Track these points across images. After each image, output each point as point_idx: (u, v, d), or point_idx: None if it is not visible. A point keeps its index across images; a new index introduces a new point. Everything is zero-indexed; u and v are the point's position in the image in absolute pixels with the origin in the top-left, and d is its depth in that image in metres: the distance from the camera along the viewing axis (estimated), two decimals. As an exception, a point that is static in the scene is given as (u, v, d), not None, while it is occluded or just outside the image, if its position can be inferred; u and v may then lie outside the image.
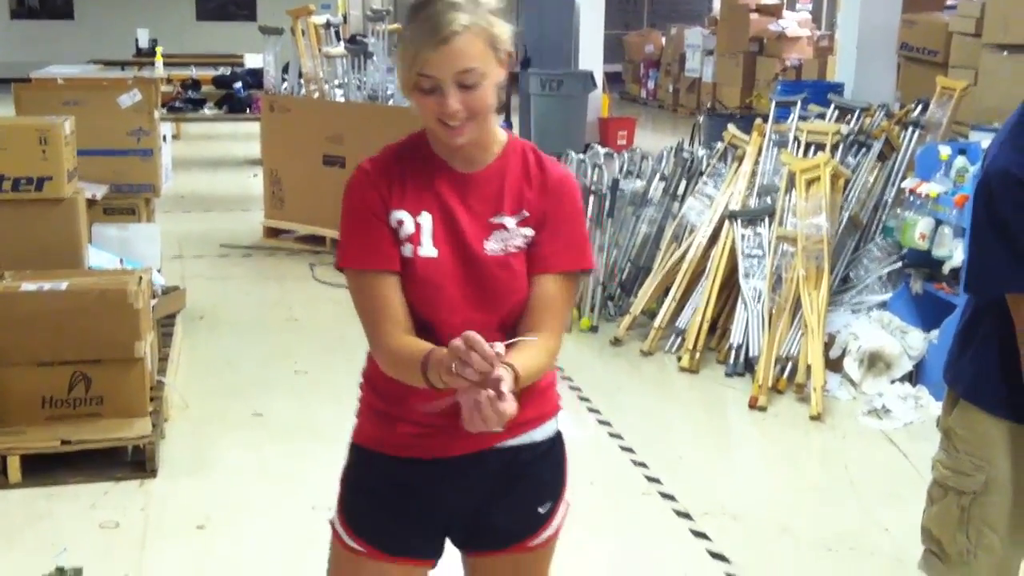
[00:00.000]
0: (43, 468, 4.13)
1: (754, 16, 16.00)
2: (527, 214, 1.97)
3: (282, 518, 3.91)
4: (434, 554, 2.11)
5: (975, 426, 2.49)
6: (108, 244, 5.43)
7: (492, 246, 1.95)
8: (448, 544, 2.13)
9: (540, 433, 2.06)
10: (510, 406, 1.67)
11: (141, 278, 4.44)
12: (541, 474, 2.09)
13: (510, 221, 1.96)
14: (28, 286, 4.20)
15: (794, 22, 16.02)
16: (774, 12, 16.39)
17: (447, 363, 1.71)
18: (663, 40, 19.28)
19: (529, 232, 1.97)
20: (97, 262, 4.97)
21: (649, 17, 24.68)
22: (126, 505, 3.99)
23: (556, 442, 2.11)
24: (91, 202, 5.27)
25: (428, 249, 1.93)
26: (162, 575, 3.54)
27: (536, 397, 2.03)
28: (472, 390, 1.69)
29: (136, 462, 4.25)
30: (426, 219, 1.94)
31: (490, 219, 1.96)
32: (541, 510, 2.09)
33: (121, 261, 5.23)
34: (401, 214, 1.93)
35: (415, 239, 1.93)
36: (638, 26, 22.84)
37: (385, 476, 2.04)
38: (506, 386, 1.67)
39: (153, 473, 4.21)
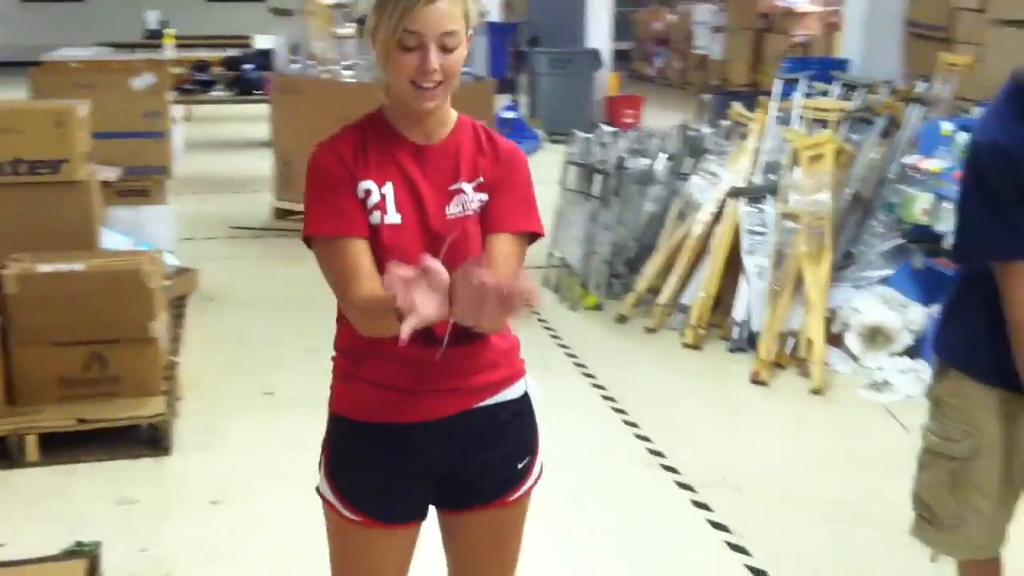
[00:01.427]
0: (60, 446, 4.23)
1: (763, -8, 15.95)
2: (482, 180, 2.06)
3: (294, 492, 3.97)
4: (423, 516, 2.19)
5: (963, 393, 2.57)
6: (122, 226, 5.52)
7: (453, 209, 2.04)
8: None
9: (512, 392, 2.16)
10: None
11: (154, 259, 4.53)
12: (517, 431, 2.19)
13: (467, 187, 2.06)
14: (44, 267, 4.29)
15: (802, -2, 15.96)
16: (783, -12, 16.33)
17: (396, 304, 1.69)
18: (672, 17, 19.23)
19: (484, 196, 2.06)
20: (111, 244, 5.06)
21: (658, -6, 24.58)
22: (142, 482, 4.10)
23: (526, 400, 2.20)
24: (105, 184, 5.35)
25: (392, 216, 2.01)
26: (179, 549, 3.63)
27: (509, 357, 2.15)
28: (466, 303, 1.68)
29: (151, 440, 4.35)
30: (389, 188, 2.02)
31: (449, 187, 2.05)
32: (519, 465, 2.18)
33: (135, 243, 5.32)
34: (368, 184, 2.01)
35: (381, 207, 2.01)
36: (647, 3, 22.78)
37: (369, 443, 2.10)
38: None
39: (167, 451, 4.31)
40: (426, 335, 1.96)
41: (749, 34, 15.88)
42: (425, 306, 1.68)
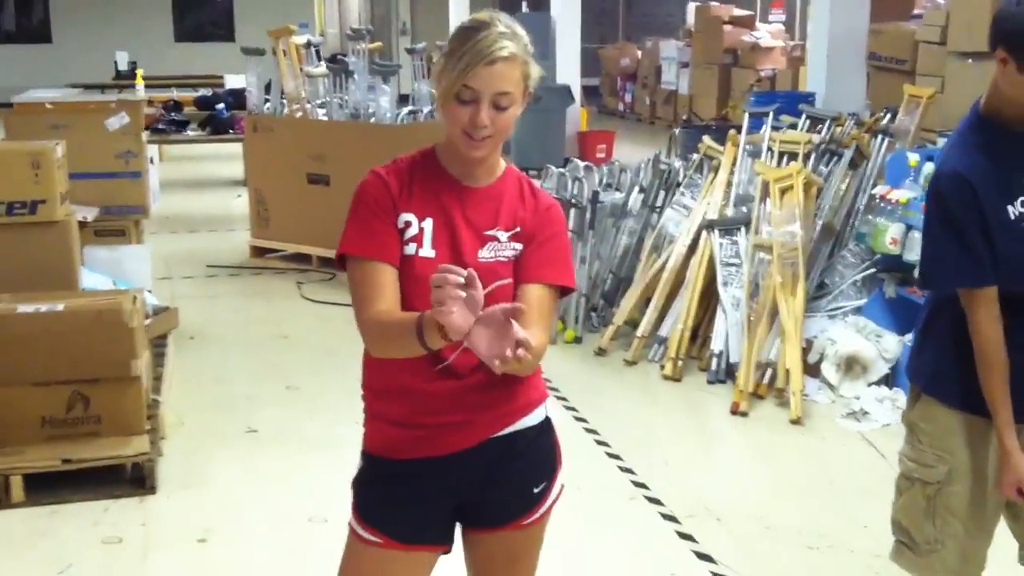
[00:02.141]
0: (45, 487, 4.21)
1: (728, 28, 16.22)
2: (519, 230, 2.17)
3: (280, 528, 4.02)
4: (446, 540, 2.27)
5: (936, 419, 2.63)
6: (100, 265, 5.52)
7: (485, 254, 2.14)
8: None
9: (532, 419, 2.24)
10: (522, 335, 1.83)
11: (135, 298, 4.54)
12: (535, 457, 2.26)
13: (503, 235, 2.16)
14: (25, 307, 4.30)
15: (767, 33, 16.24)
16: (747, 24, 16.60)
17: (433, 298, 1.83)
18: (639, 53, 19.48)
19: (518, 246, 2.16)
20: (90, 283, 5.07)
21: (625, 30, 24.87)
22: (127, 521, 4.09)
23: (546, 426, 2.28)
24: (82, 224, 5.36)
25: (427, 250, 2.12)
26: (165, 587, 3.64)
27: (526, 386, 2.22)
28: (482, 330, 1.83)
29: (136, 479, 4.35)
30: (428, 224, 2.13)
31: (485, 232, 2.15)
32: (536, 490, 2.26)
33: (114, 282, 5.32)
34: (409, 216, 2.13)
35: (418, 240, 2.12)
36: (614, 39, 23.03)
37: (395, 475, 2.20)
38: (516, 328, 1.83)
39: (152, 489, 4.31)
40: (442, 369, 2.09)
41: (715, 69, 16.13)
42: (457, 313, 1.81)
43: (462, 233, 2.14)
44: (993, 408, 2.49)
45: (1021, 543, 2.74)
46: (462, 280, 1.82)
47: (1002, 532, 2.72)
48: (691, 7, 18.56)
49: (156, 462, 4.40)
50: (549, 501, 2.29)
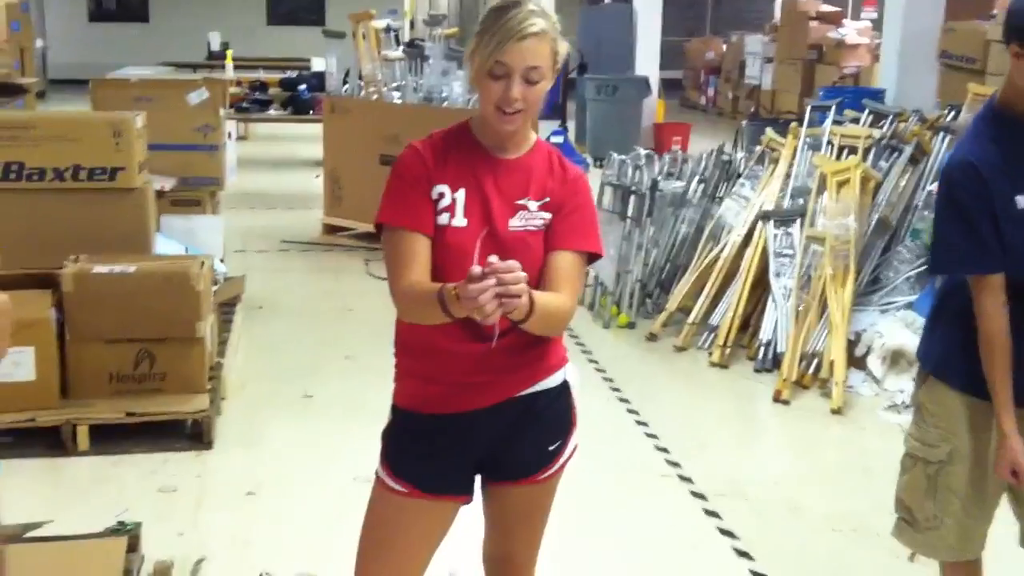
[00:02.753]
0: (109, 437, 4.49)
1: (814, 24, 16.09)
2: (548, 200, 2.29)
3: (326, 486, 4.23)
4: (467, 491, 2.41)
5: (942, 400, 2.72)
6: (175, 234, 5.80)
7: (515, 223, 2.27)
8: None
9: (552, 381, 2.38)
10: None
11: (203, 263, 4.79)
12: (552, 417, 2.41)
13: (533, 204, 2.29)
14: (99, 268, 4.57)
15: (853, 30, 16.06)
16: (834, 20, 16.44)
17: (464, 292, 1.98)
18: (724, 47, 19.42)
19: (547, 215, 2.29)
20: (164, 249, 5.33)
21: (712, 24, 24.77)
22: (183, 473, 4.34)
23: (564, 389, 2.42)
24: (160, 193, 5.64)
25: (459, 219, 2.25)
26: (214, 534, 3.86)
27: (548, 351, 2.37)
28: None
29: (194, 435, 4.61)
30: (461, 194, 2.26)
31: (516, 201, 2.28)
32: (551, 448, 2.40)
33: (186, 249, 5.59)
34: (442, 187, 2.26)
35: (451, 209, 2.25)
36: (701, 33, 22.97)
37: (422, 430, 2.36)
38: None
39: (209, 445, 4.56)
40: (472, 330, 2.21)
41: (799, 64, 16.01)
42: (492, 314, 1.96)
43: (493, 203, 2.26)
44: (993, 391, 2.57)
45: (1023, 525, 2.81)
46: (492, 284, 1.94)
47: (1006, 514, 2.79)
48: (778, 1, 18.46)
49: (214, 420, 4.65)
50: (563, 459, 2.44)
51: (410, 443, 2.37)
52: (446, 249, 2.24)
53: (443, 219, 2.25)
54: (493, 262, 1.96)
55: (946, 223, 2.62)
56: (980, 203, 2.51)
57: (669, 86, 18.01)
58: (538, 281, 2.25)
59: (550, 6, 15.96)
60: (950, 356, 2.71)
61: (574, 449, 2.47)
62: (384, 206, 2.29)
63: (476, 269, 1.96)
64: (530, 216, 2.28)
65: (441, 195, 2.26)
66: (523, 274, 1.99)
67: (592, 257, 2.34)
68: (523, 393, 2.34)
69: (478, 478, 2.44)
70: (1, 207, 4.82)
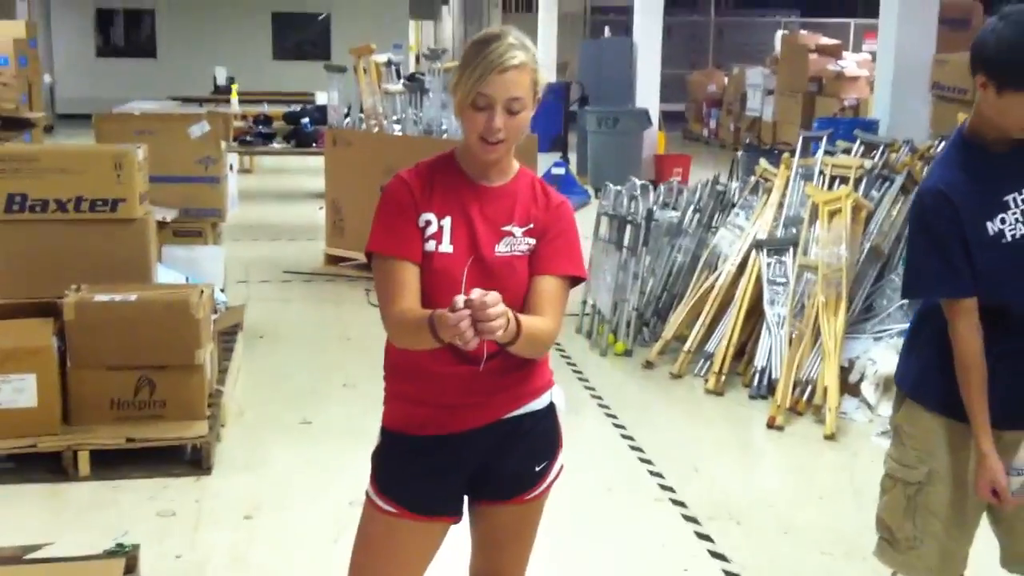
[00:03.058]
0: (110, 463, 4.56)
1: (813, 56, 16.25)
2: (532, 225, 2.37)
3: (323, 510, 4.29)
4: (456, 511, 2.47)
5: (919, 422, 2.78)
6: (177, 263, 5.89)
7: (501, 248, 2.34)
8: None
9: (538, 403, 2.45)
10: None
11: (203, 292, 4.87)
12: (538, 438, 2.47)
13: (518, 230, 2.36)
14: (101, 297, 4.65)
15: (853, 62, 16.22)
16: (834, 52, 16.61)
17: (444, 320, 2.06)
18: (725, 80, 19.59)
19: (532, 241, 2.37)
20: (165, 279, 5.42)
21: (714, 57, 24.99)
22: (183, 497, 4.40)
23: (550, 410, 2.49)
24: (162, 224, 5.74)
25: (446, 246, 2.32)
26: (212, 556, 3.92)
27: (534, 373, 2.43)
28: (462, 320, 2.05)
29: (193, 460, 4.67)
30: (447, 222, 2.34)
31: (502, 227, 2.36)
32: (537, 468, 2.46)
33: (187, 279, 5.68)
34: (429, 215, 2.33)
35: (438, 237, 2.33)
36: (703, 66, 23.17)
37: (411, 451, 2.42)
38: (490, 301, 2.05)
39: (208, 470, 4.62)
40: (459, 354, 2.28)
41: (799, 97, 16.15)
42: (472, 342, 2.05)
43: (479, 229, 2.34)
44: (971, 412, 2.62)
45: (1002, 546, 2.86)
46: (468, 315, 2.03)
47: (988, 535, 2.84)
48: (779, 35, 18.64)
49: (213, 446, 4.71)
50: (549, 479, 2.49)
51: (399, 464, 2.43)
52: (434, 275, 2.31)
53: (430, 246, 2.32)
54: (472, 298, 2.04)
55: (918, 248, 2.69)
56: (951, 228, 2.58)
57: (672, 118, 18.18)
58: (523, 304, 2.32)
59: (552, 41, 16.19)
60: (926, 378, 2.77)
61: (560, 469, 2.53)
62: (374, 235, 2.36)
63: (458, 300, 2.05)
64: (515, 242, 2.35)
65: (428, 223, 2.33)
66: (501, 307, 2.06)
67: (575, 280, 2.41)
68: (510, 415, 2.40)
69: (466, 498, 2.50)
70: (5, 237, 4.91)
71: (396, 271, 2.30)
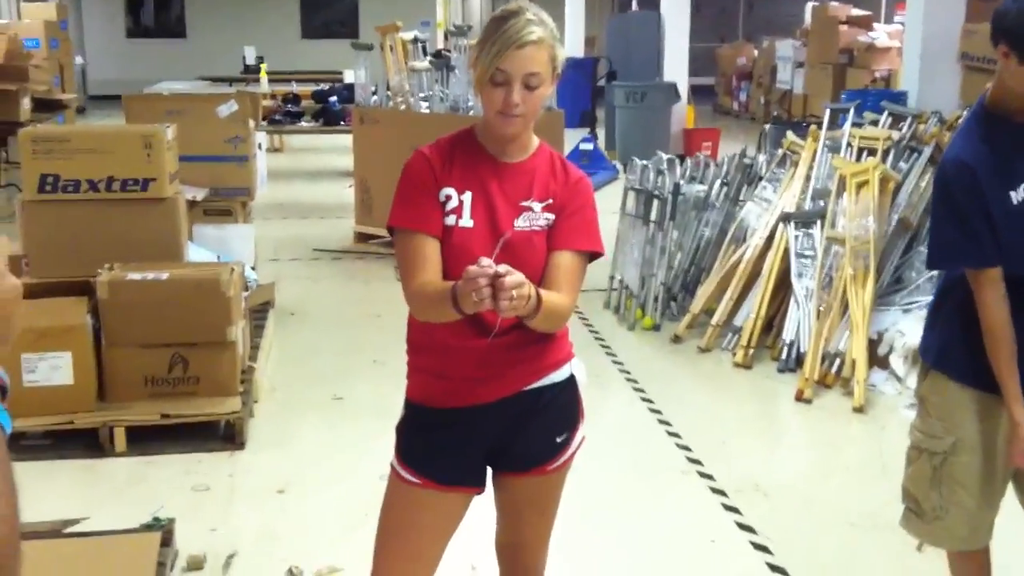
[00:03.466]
0: (145, 439, 4.65)
1: (844, 28, 16.09)
2: (551, 201, 2.39)
3: (353, 484, 4.35)
4: (478, 482, 2.51)
5: (943, 393, 2.79)
6: (207, 242, 5.95)
7: (520, 223, 2.37)
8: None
9: (558, 375, 2.47)
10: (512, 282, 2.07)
11: (233, 270, 4.93)
12: (558, 410, 2.49)
13: (536, 205, 2.39)
14: (133, 275, 4.72)
15: (884, 33, 16.05)
16: (865, 24, 16.44)
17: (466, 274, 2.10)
18: (755, 52, 19.45)
19: (551, 216, 2.39)
20: (196, 257, 5.48)
21: (745, 30, 24.81)
22: (216, 472, 4.47)
23: (570, 383, 2.51)
24: (192, 203, 5.80)
25: (466, 220, 2.35)
26: (245, 529, 3.99)
27: (554, 346, 2.46)
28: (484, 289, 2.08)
29: (227, 436, 4.75)
30: (467, 196, 2.36)
31: (520, 202, 2.38)
32: (558, 440, 2.49)
33: (218, 257, 5.73)
34: (449, 190, 2.36)
35: (458, 212, 2.35)
36: (733, 39, 23.01)
37: (433, 423, 2.46)
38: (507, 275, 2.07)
39: (241, 446, 4.69)
40: (478, 327, 2.32)
41: (830, 69, 16.01)
42: (486, 302, 2.08)
43: (498, 204, 2.36)
44: (1002, 382, 2.63)
45: (1029, 515, 2.87)
46: (490, 273, 2.06)
47: (1014, 504, 2.85)
48: (808, 6, 18.47)
49: (246, 421, 4.78)
50: (570, 450, 2.52)
51: (422, 436, 2.48)
52: (453, 249, 2.34)
53: (450, 220, 2.35)
54: (499, 268, 2.07)
55: (941, 219, 2.69)
56: (973, 199, 2.58)
57: (701, 92, 18.09)
58: (540, 278, 2.35)
59: (580, 15, 16.12)
60: (950, 349, 2.77)
61: (581, 441, 2.55)
62: (395, 209, 2.39)
63: (484, 259, 2.09)
64: (534, 217, 2.37)
65: (448, 197, 2.35)
66: (522, 278, 2.09)
67: (593, 256, 2.43)
68: (529, 388, 2.43)
69: (490, 470, 2.54)
70: (38, 217, 4.98)
71: (417, 245, 2.33)
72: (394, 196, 2.40)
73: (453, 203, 2.36)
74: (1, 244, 1.22)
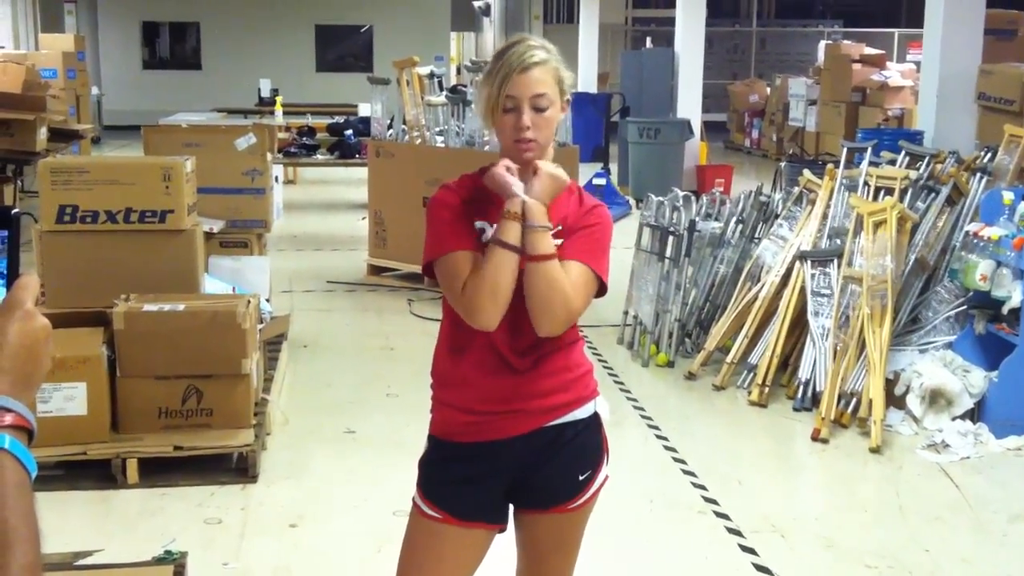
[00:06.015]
0: (158, 471, 4.62)
1: (857, 66, 16.14)
2: (560, 227, 2.40)
3: (366, 519, 4.32)
4: (500, 519, 2.50)
5: None
6: (223, 274, 5.95)
7: None
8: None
9: (581, 412, 2.47)
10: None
11: (249, 302, 4.92)
12: (581, 447, 2.48)
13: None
14: (149, 307, 4.72)
15: (897, 72, 16.09)
16: (878, 62, 16.49)
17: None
18: (767, 90, 19.50)
19: (559, 241, 2.38)
20: (212, 289, 5.48)
21: (757, 68, 24.90)
22: (229, 505, 4.45)
23: (594, 420, 2.50)
24: (208, 235, 5.80)
25: None
26: (258, 563, 3.97)
27: (579, 383, 2.46)
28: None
29: (240, 468, 4.72)
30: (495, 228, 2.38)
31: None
32: (581, 477, 2.47)
33: (234, 289, 5.74)
34: (482, 223, 2.39)
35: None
36: (745, 76, 23.09)
37: (455, 457, 2.46)
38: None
39: (254, 478, 4.67)
40: (501, 363, 2.34)
41: (843, 107, 16.04)
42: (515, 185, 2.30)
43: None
44: None
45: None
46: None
47: None
48: (822, 44, 18.53)
49: (259, 454, 4.76)
50: (593, 488, 2.50)
51: (444, 470, 2.47)
52: None
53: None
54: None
55: None
56: None
57: (714, 129, 18.13)
58: None
59: (593, 51, 16.21)
60: None
61: (605, 479, 2.53)
62: (429, 244, 2.40)
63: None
64: None
65: (483, 230, 2.38)
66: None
67: (599, 283, 2.40)
68: (551, 423, 2.42)
69: (512, 508, 2.52)
70: (56, 248, 4.99)
71: (460, 260, 2.34)
72: (427, 232, 2.40)
73: (487, 236, 2.37)
74: (31, 282, 1.21)
